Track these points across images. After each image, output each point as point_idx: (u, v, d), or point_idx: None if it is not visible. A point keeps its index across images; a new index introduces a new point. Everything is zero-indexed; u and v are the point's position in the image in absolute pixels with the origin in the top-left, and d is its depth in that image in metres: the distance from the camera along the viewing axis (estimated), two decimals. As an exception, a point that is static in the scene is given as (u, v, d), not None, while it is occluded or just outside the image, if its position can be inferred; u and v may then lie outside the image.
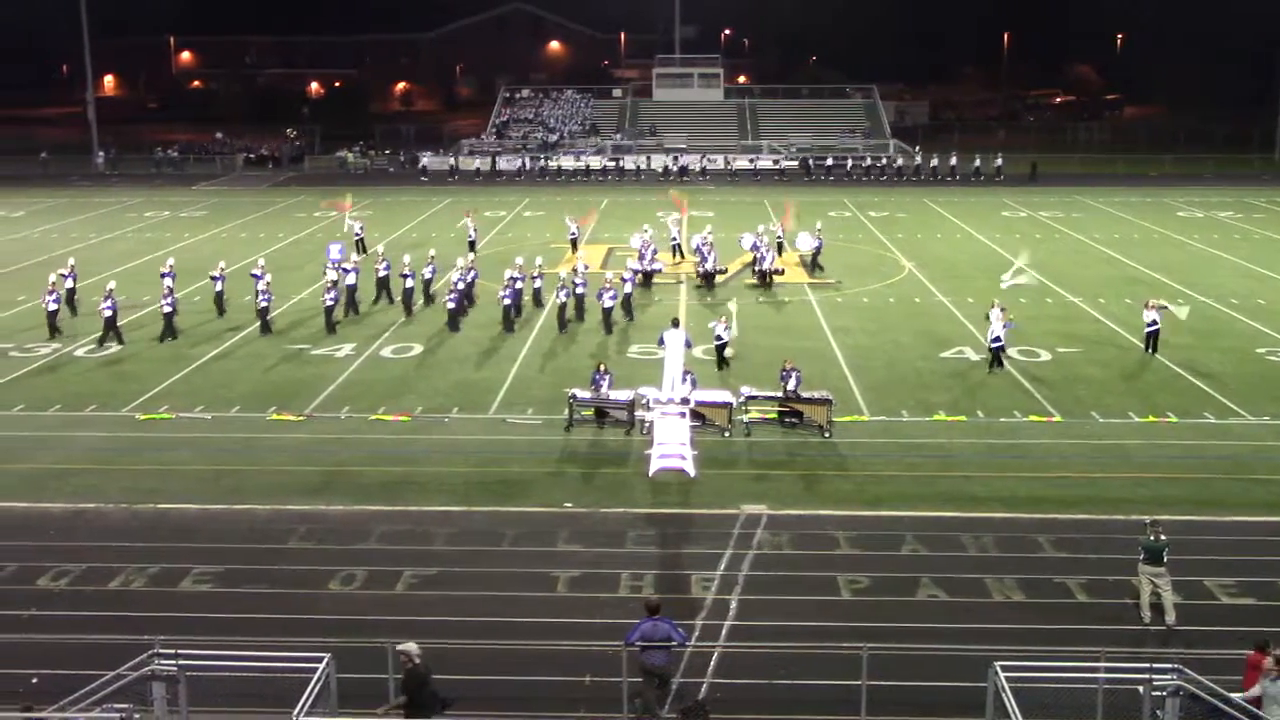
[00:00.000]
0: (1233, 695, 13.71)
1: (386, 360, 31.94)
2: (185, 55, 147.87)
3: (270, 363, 31.67)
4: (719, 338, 30.72)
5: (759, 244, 41.84)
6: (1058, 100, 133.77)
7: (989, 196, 65.39)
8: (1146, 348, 31.83)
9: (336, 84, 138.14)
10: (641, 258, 40.70)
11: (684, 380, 25.60)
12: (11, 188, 70.68)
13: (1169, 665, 14.04)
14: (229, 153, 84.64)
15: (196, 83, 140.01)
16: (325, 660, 14.02)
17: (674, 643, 15.06)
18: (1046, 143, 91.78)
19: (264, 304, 34.48)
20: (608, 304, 34.83)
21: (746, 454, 24.93)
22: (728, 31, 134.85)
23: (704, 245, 41.54)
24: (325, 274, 37.78)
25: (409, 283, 36.71)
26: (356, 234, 46.10)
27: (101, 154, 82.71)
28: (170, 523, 21.47)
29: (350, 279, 36.55)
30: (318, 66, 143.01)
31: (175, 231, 53.98)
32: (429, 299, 37.90)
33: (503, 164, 78.07)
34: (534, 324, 35.51)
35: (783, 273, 41.64)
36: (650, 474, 22.47)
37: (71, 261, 38.81)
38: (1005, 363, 30.47)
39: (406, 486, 23.01)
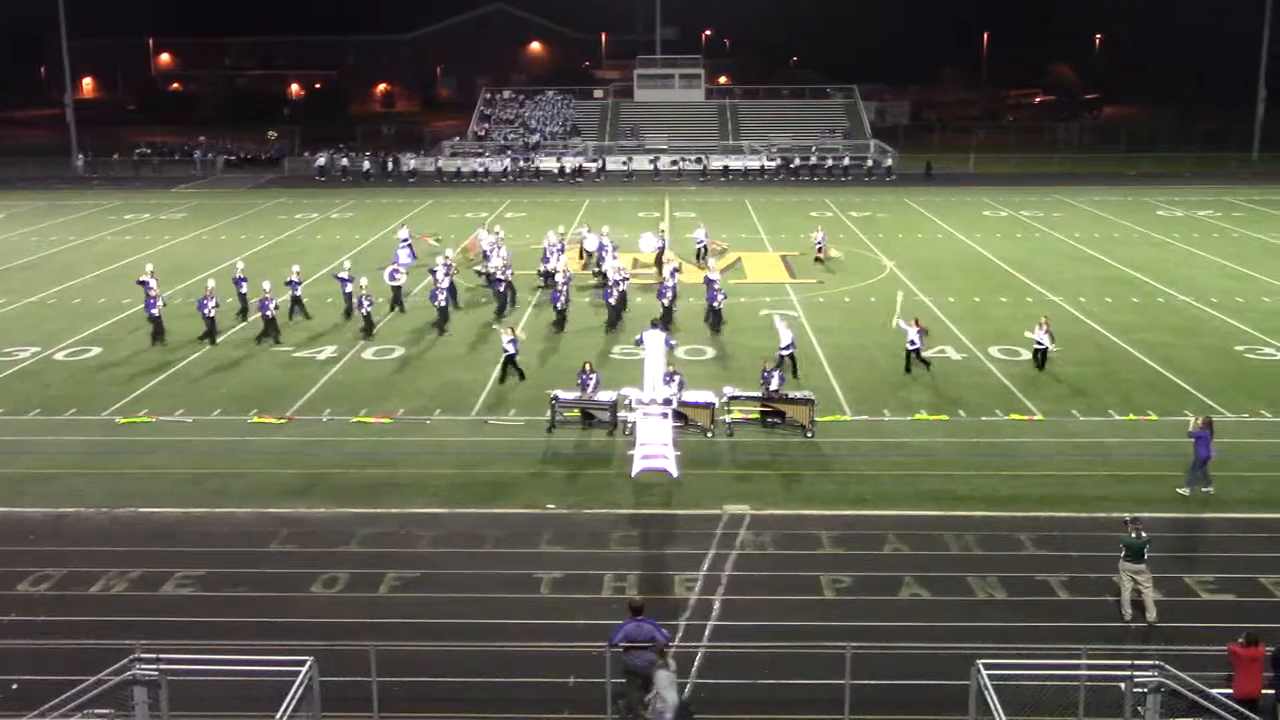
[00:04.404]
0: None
1: (368, 363, 31.85)
2: (164, 57, 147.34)
3: (251, 366, 31.55)
4: (511, 345, 29.95)
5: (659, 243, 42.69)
6: (1037, 100, 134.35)
7: (969, 196, 65.61)
8: (907, 366, 30.36)
9: (317, 85, 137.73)
10: (545, 259, 40.87)
11: (671, 381, 25.64)
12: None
13: (1150, 662, 14.12)
14: (214, 154, 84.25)
15: (175, 84, 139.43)
16: (308, 663, 13.99)
17: (657, 643, 15.07)
18: (1026, 142, 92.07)
19: (367, 308, 34.50)
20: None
21: (729, 454, 24.94)
22: (708, 32, 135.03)
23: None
24: (392, 278, 37.25)
25: (501, 287, 37.04)
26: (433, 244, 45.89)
27: (81, 156, 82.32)
28: (151, 526, 21.37)
29: (446, 282, 35.82)
30: (298, 67, 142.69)
31: (155, 234, 53.68)
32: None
33: (490, 165, 77.87)
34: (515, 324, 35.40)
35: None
36: (633, 475, 22.48)
37: (149, 267, 36.66)
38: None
39: (389, 489, 22.95)
